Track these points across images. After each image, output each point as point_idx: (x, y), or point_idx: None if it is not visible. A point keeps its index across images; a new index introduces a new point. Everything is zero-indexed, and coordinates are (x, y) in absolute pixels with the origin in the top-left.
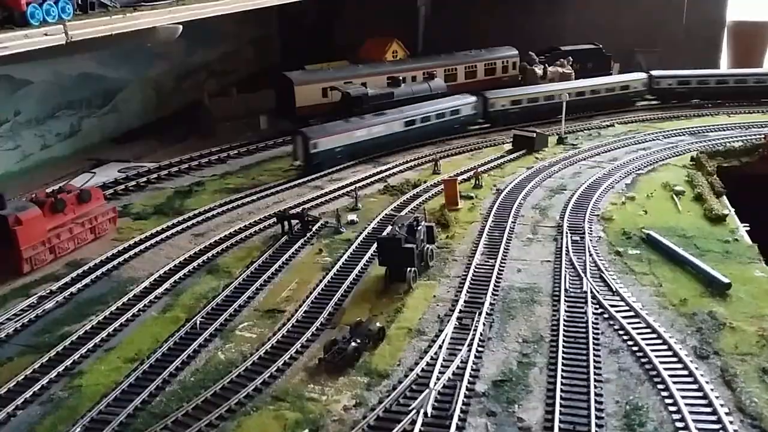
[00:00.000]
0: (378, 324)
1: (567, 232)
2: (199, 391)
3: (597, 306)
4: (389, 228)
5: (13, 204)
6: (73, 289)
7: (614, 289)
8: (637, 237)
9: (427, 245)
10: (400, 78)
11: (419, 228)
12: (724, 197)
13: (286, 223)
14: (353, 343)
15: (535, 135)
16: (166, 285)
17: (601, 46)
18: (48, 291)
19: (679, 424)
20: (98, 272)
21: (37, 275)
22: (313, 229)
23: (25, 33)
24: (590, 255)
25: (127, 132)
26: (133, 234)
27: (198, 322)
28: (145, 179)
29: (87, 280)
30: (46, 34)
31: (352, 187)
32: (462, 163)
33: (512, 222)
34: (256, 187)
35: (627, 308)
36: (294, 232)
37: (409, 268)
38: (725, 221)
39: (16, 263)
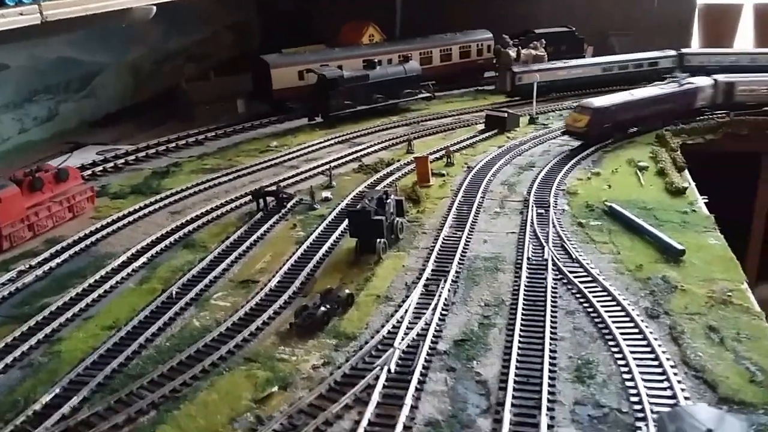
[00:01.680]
0: (347, 291)
1: (533, 206)
2: (174, 354)
3: (557, 272)
4: (360, 202)
5: None
6: (52, 264)
7: (574, 257)
8: (599, 209)
9: (397, 218)
10: (376, 60)
11: (388, 201)
12: (686, 172)
13: (261, 200)
14: (322, 308)
15: (506, 115)
16: (143, 259)
17: (574, 29)
18: (27, 266)
19: (627, 376)
20: (76, 248)
21: (16, 252)
22: (288, 205)
23: (1, 13)
24: (553, 226)
25: (104, 116)
26: (110, 212)
27: (174, 292)
28: (123, 161)
29: (65, 256)
30: (21, 14)
31: (327, 166)
32: (435, 143)
33: (481, 197)
34: (232, 167)
35: (585, 274)
36: (269, 208)
37: (378, 240)
38: (685, 194)
39: None
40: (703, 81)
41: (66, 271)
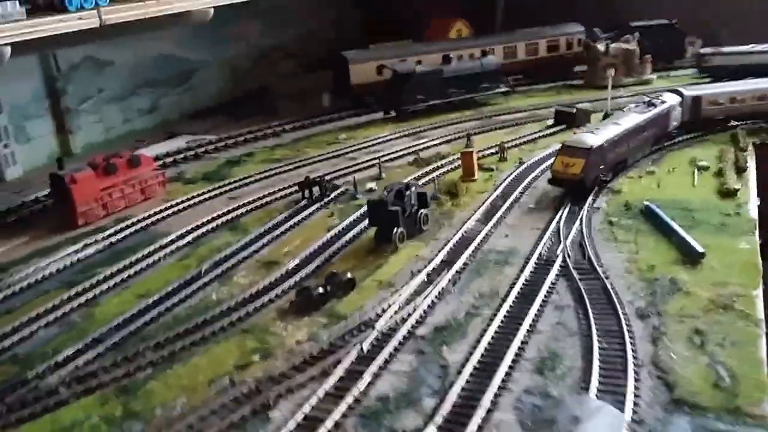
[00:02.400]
0: (349, 275)
1: (568, 203)
2: (186, 323)
3: (563, 268)
4: (383, 192)
5: (71, 167)
6: (113, 239)
7: (586, 255)
8: (636, 209)
9: (421, 210)
10: (451, 56)
11: (408, 193)
12: (748, 173)
13: (306, 189)
14: (320, 290)
15: (575, 110)
16: (189, 238)
17: (675, 21)
18: (93, 240)
19: (586, 372)
20: (138, 226)
21: (89, 228)
22: (332, 195)
23: (61, 18)
24: (580, 223)
25: (202, 109)
26: (179, 196)
27: (203, 269)
28: (203, 150)
29: (126, 233)
30: (80, 18)
31: (378, 159)
32: (499, 138)
33: (520, 193)
34: (297, 157)
35: (590, 271)
36: (314, 198)
37: (395, 229)
38: (736, 196)
39: (72, 217)
40: (671, 98)
41: (123, 246)
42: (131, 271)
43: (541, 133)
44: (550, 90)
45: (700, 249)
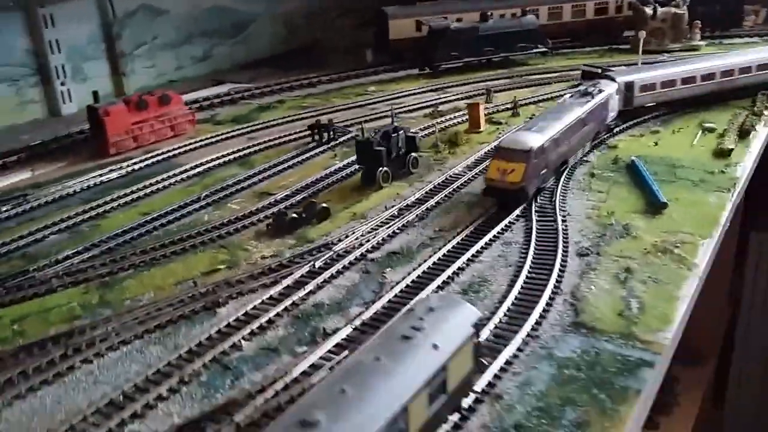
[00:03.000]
0: (324, 205)
1: None
2: (173, 237)
3: (524, 210)
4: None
5: (106, 101)
6: (135, 167)
7: (553, 200)
8: (623, 163)
9: (410, 153)
10: (489, 14)
11: (396, 135)
12: (754, 136)
13: (316, 132)
14: (293, 215)
15: (600, 70)
16: (200, 169)
17: None
18: (118, 167)
19: (505, 294)
20: (160, 157)
21: (118, 157)
22: (339, 139)
23: None
24: (562, 173)
25: (253, 61)
26: (205, 134)
27: (203, 195)
28: (240, 96)
29: (148, 162)
30: None
31: (401, 110)
32: (523, 95)
33: None
34: (323, 106)
35: (549, 215)
36: (322, 140)
37: (379, 169)
38: (729, 156)
39: (104, 146)
40: (609, 86)
41: (142, 173)
42: (141, 194)
43: (563, 92)
44: (594, 53)
45: (663, 199)
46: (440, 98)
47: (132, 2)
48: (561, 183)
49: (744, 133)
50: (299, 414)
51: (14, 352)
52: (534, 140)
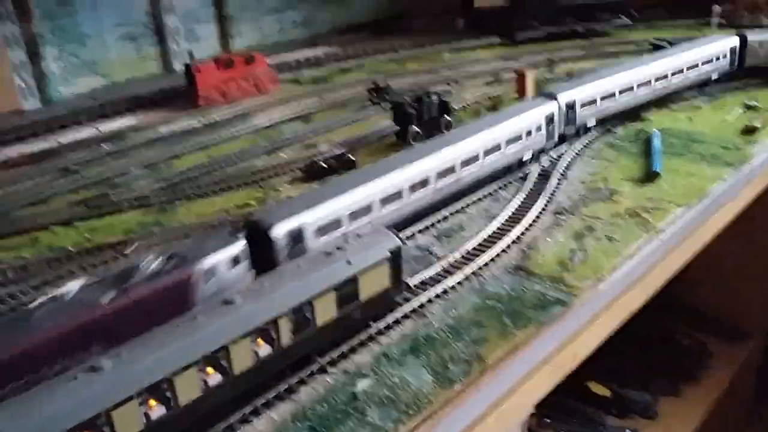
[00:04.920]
0: (351, 156)
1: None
2: (225, 177)
3: (523, 172)
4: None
5: (198, 60)
6: (216, 118)
7: (555, 165)
8: (645, 135)
9: (444, 116)
10: None
11: (427, 101)
12: None
13: (373, 92)
14: (322, 164)
15: (665, 44)
16: (268, 123)
17: None
18: (203, 117)
19: (471, 239)
20: (239, 111)
21: (206, 109)
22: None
23: None
24: (579, 141)
25: (352, 25)
26: (285, 93)
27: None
28: (326, 58)
29: (228, 115)
30: None
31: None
32: (588, 65)
33: None
34: (397, 71)
35: (544, 176)
36: (379, 102)
37: (410, 128)
38: (753, 133)
39: (195, 99)
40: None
41: (220, 124)
42: (213, 140)
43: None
44: (682, 27)
45: (656, 169)
46: (505, 67)
47: None
48: (575, 150)
49: None
50: (223, 296)
51: (80, 252)
52: None
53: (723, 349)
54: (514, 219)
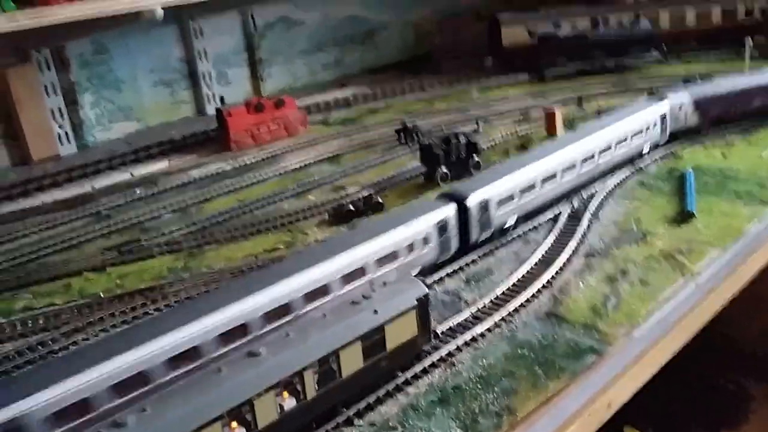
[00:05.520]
0: (379, 199)
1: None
2: (255, 221)
3: (553, 214)
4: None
5: (229, 105)
6: (247, 161)
7: (588, 205)
8: (677, 173)
9: (472, 156)
10: (600, 20)
11: (455, 141)
12: None
13: (401, 133)
14: (350, 207)
15: (698, 78)
16: (297, 166)
17: None
18: (233, 160)
19: (495, 280)
20: (269, 154)
21: (237, 153)
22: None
23: None
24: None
25: (381, 66)
26: (314, 135)
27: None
28: (355, 99)
29: (259, 158)
30: None
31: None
32: (618, 101)
33: None
34: (425, 110)
35: (575, 217)
36: (407, 143)
37: (438, 169)
38: None
39: (227, 143)
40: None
41: (250, 167)
42: (243, 184)
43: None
44: (717, 61)
45: (691, 209)
46: (534, 104)
47: (271, 14)
48: (607, 190)
49: None
50: (248, 347)
51: (111, 298)
52: None
53: (765, 393)
54: (545, 262)
